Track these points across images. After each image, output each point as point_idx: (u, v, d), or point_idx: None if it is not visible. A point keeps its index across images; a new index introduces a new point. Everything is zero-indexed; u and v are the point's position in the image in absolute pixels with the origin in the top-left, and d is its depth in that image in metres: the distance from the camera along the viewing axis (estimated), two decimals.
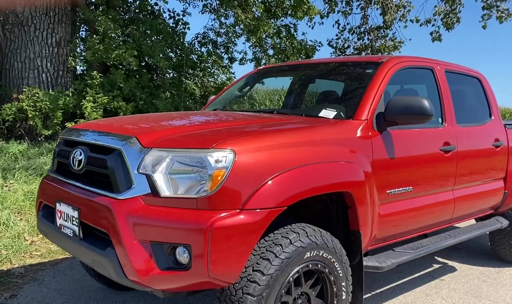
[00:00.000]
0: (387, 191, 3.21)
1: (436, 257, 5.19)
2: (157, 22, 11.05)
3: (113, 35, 9.53)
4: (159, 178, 2.36)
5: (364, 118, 3.14)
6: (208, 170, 2.31)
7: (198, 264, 2.25)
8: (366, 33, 12.38)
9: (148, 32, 10.63)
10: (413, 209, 3.47)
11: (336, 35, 12.84)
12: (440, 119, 3.85)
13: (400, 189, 3.30)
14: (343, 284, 2.83)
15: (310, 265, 2.63)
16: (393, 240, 3.47)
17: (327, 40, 13.01)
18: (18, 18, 9.48)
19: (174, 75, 11.54)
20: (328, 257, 2.71)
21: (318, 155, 2.73)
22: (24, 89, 9.20)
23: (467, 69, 4.55)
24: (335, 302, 2.81)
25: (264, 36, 11.76)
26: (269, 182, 2.41)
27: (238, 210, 2.33)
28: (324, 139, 2.87)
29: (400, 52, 12.14)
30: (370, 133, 3.09)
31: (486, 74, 4.98)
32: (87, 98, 9.01)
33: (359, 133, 3.04)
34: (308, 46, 11.70)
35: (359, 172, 2.91)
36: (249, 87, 4.61)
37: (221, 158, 2.33)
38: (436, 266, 4.93)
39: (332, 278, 2.77)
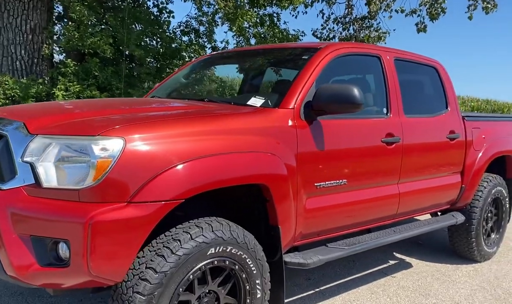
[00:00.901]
0: (315, 184, 3.04)
1: (394, 253, 5.04)
2: (136, 10, 10.83)
3: (88, 22, 9.33)
4: (42, 167, 2.20)
5: (291, 106, 2.97)
6: (92, 159, 2.15)
7: (77, 260, 2.09)
8: (351, 24, 12.13)
9: (127, 20, 10.41)
10: (348, 204, 3.31)
11: (322, 25, 12.60)
12: (385, 109, 3.68)
13: (332, 182, 3.14)
14: (257, 281, 2.67)
15: (216, 262, 2.47)
16: (328, 235, 3.31)
17: (311, 30, 12.77)
18: None
19: (155, 64, 11.34)
20: (238, 253, 2.56)
21: (230, 145, 2.56)
22: None
23: (423, 58, 4.37)
24: (248, 300, 2.66)
25: (247, 25, 11.54)
26: (164, 173, 2.25)
27: (125, 203, 2.16)
28: (241, 128, 2.70)
29: (385, 43, 11.91)
30: (295, 123, 2.91)
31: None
32: (58, 86, 8.83)
33: (282, 123, 2.87)
34: (290, 35, 11.47)
35: (278, 164, 2.74)
36: (194, 74, 4.42)
37: (107, 146, 2.17)
38: (391, 262, 4.78)
39: (244, 275, 2.61)
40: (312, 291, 3.92)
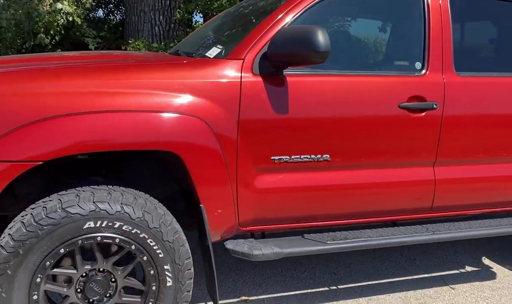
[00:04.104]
0: (273, 158, 2.39)
1: (482, 257, 3.87)
2: None
3: None
4: None
5: (241, 57, 2.35)
6: None
7: None
8: None
9: None
10: (333, 186, 2.55)
11: None
12: (418, 64, 2.70)
13: (301, 156, 2.43)
14: (166, 267, 2.22)
15: (99, 238, 2.11)
16: (311, 223, 2.62)
17: None
18: None
19: None
20: (134, 232, 2.14)
21: (124, 103, 2.12)
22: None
23: None
24: (154, 287, 2.24)
25: None
26: (18, 130, 1.96)
27: None
28: (155, 83, 2.22)
29: None
30: (243, 78, 2.30)
31: None
32: None
33: (222, 78, 2.29)
34: None
35: (199, 128, 2.20)
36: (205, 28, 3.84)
37: None
38: (467, 268, 3.66)
39: (145, 258, 2.19)
40: (323, 289, 3.24)
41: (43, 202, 2.07)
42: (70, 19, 7.96)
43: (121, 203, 2.12)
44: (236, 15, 3.15)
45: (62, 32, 8.43)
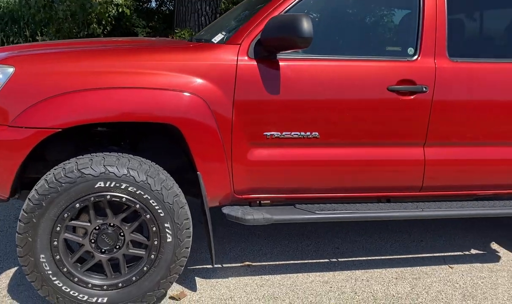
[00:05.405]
0: (265, 133, 2.66)
1: (491, 242, 3.94)
2: None
3: None
4: None
5: (239, 42, 2.63)
6: None
7: None
8: None
9: None
10: (320, 162, 2.78)
11: None
12: (411, 49, 2.86)
13: (291, 133, 2.68)
14: (166, 225, 2.56)
15: (109, 197, 2.47)
16: (303, 195, 2.87)
17: None
18: None
19: None
20: (138, 192, 2.49)
21: (133, 80, 2.47)
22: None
23: None
24: (156, 242, 2.58)
25: None
26: (42, 102, 2.35)
27: (7, 126, 2.37)
28: (162, 64, 2.55)
29: None
30: (239, 61, 2.58)
31: None
32: None
33: (219, 61, 2.59)
34: None
35: (197, 105, 2.51)
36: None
37: None
38: (472, 250, 3.75)
39: (148, 216, 2.53)
40: (323, 260, 3.47)
41: (64, 164, 2.46)
42: (120, 10, 8.53)
43: (128, 168, 2.47)
44: (247, 4, 3.42)
45: (113, 22, 9.03)
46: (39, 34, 9.46)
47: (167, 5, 13.58)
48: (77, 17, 8.48)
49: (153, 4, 13.44)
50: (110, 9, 8.49)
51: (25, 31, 10.64)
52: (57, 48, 2.88)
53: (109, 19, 8.76)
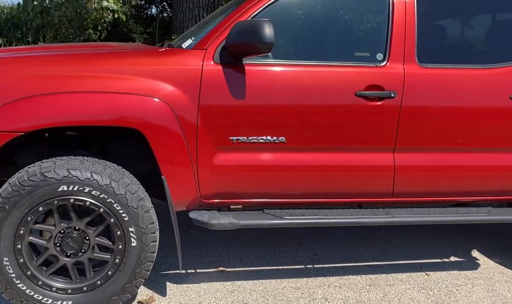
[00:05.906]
0: (231, 138, 2.66)
1: (472, 250, 3.90)
2: None
3: None
4: None
5: (205, 47, 2.64)
6: None
7: None
8: None
9: None
10: (289, 167, 2.77)
11: None
12: (380, 55, 2.86)
13: (257, 138, 2.68)
14: (130, 229, 2.55)
15: (72, 200, 2.48)
16: (271, 200, 2.87)
17: None
18: None
19: None
20: (102, 196, 2.49)
21: (96, 85, 2.48)
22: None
23: None
24: (120, 246, 2.58)
25: None
26: (11, 104, 2.38)
27: None
28: (124, 69, 2.56)
29: None
30: (203, 67, 2.59)
31: None
32: None
33: (186, 65, 2.60)
34: None
35: (160, 109, 2.52)
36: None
37: None
38: (451, 258, 3.72)
39: (112, 220, 2.54)
40: (299, 266, 3.46)
41: (27, 167, 2.47)
42: (116, 16, 8.58)
43: (91, 171, 2.48)
44: (221, 10, 3.44)
45: (109, 28, 9.09)
46: (41, 40, 9.55)
47: (168, 12, 13.68)
48: (73, 23, 8.55)
49: (154, 11, 13.54)
50: (106, 15, 8.55)
51: (28, 37, 10.75)
52: (31, 52, 2.91)
53: (105, 25, 8.81)
